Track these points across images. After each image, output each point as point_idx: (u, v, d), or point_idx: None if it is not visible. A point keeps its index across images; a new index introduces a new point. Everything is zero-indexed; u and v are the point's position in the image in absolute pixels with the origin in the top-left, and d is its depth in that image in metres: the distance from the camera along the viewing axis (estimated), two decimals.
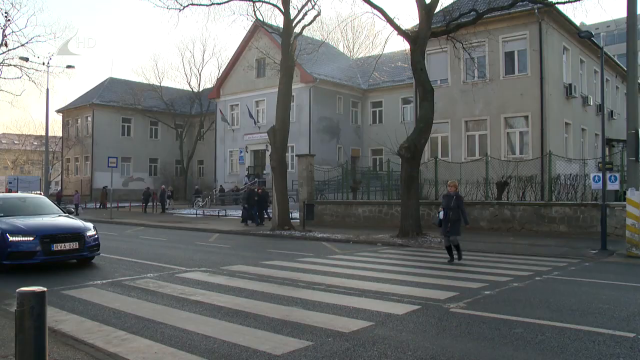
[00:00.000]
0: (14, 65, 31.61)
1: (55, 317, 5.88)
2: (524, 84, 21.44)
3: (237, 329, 5.51)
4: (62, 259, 9.69)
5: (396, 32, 17.15)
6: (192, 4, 20.77)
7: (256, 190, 23.20)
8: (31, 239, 9.09)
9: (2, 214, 10.08)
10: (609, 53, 25.75)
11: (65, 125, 47.15)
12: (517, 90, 21.55)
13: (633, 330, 5.44)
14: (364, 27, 55.48)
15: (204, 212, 29.35)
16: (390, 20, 16.94)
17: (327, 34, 41.03)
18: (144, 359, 4.61)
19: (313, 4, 20.66)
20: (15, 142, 63.05)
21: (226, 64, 40.06)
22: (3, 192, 32.11)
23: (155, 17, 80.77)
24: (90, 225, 10.30)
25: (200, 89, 46.18)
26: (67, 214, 11.22)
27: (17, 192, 41.39)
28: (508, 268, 9.97)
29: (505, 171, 18.68)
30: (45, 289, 3.03)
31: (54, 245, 9.26)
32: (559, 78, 22.36)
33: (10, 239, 8.97)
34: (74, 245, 9.58)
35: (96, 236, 10.23)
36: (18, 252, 9.00)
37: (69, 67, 31.27)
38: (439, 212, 11.05)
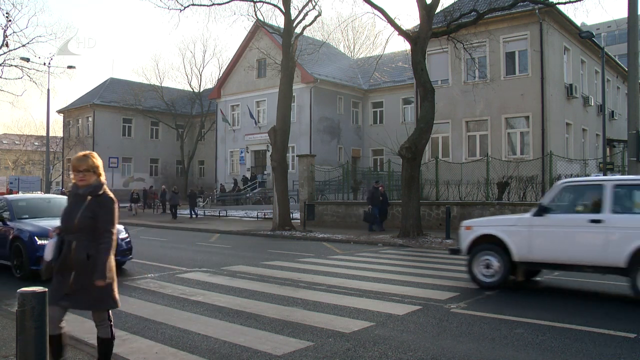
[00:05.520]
0: (15, 66, 31.57)
1: None
2: (524, 84, 21.42)
3: (237, 329, 5.51)
4: None
5: (397, 33, 17.15)
6: (193, 5, 20.79)
7: (379, 187, 18.91)
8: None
9: (27, 216, 9.67)
10: (610, 53, 25.75)
11: (66, 125, 47.17)
12: (517, 91, 21.54)
13: (634, 331, 5.43)
14: (365, 27, 55.49)
15: (204, 213, 29.34)
16: (390, 21, 16.94)
17: (328, 35, 41.13)
18: (145, 359, 4.61)
19: (314, 4, 20.67)
20: (16, 142, 63.10)
21: (227, 64, 40.10)
22: (13, 194, 31.84)
23: (156, 17, 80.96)
24: (121, 227, 9.54)
25: (201, 89, 46.18)
26: None
27: (18, 192, 41.53)
28: None
29: (506, 171, 18.67)
30: (46, 289, 3.03)
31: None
32: (559, 78, 22.34)
33: (39, 242, 8.32)
34: None
35: (128, 239, 9.60)
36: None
37: (69, 67, 31.29)
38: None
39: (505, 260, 7.78)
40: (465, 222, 8.81)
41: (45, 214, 9.74)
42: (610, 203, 7.14)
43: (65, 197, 11.36)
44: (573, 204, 7.82)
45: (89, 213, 3.79)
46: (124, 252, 9.29)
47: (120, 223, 9.84)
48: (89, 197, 3.83)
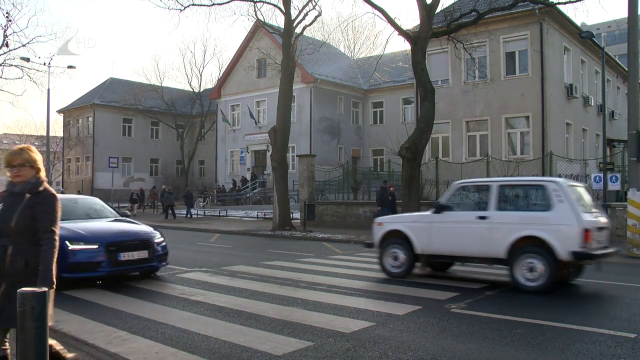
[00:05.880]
0: (15, 66, 31.57)
1: (56, 318, 5.84)
2: (524, 84, 21.42)
3: (238, 329, 5.51)
4: (129, 271, 8.39)
5: (397, 33, 17.14)
6: (193, 5, 20.79)
7: (389, 187, 18.68)
8: (95, 247, 7.74)
9: None
10: (610, 53, 25.74)
11: (66, 125, 47.18)
12: (518, 91, 21.53)
13: (634, 331, 5.43)
14: (365, 27, 55.45)
15: (204, 213, 29.34)
16: (391, 21, 16.93)
17: (328, 35, 41.08)
18: (145, 359, 4.61)
19: (314, 4, 20.69)
20: (16, 142, 63.06)
21: (227, 64, 40.11)
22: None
23: (156, 17, 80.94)
24: (156, 231, 8.94)
25: (201, 89, 46.19)
26: (125, 218, 9.73)
27: None
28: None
29: (506, 171, 18.68)
30: (46, 289, 3.03)
31: (122, 254, 7.91)
32: (560, 78, 22.34)
33: (71, 247, 7.57)
34: (143, 254, 8.20)
35: (164, 244, 8.86)
36: (80, 264, 7.64)
37: (70, 67, 31.27)
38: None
39: (410, 253, 8.67)
40: (378, 219, 9.84)
41: (72, 216, 8.82)
42: (495, 201, 8.08)
43: (89, 198, 10.37)
44: (465, 202, 8.78)
45: (28, 213, 3.39)
46: (161, 257, 8.64)
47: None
48: (28, 195, 3.43)
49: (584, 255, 7.40)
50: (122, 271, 8.17)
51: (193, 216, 27.26)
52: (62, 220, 8.25)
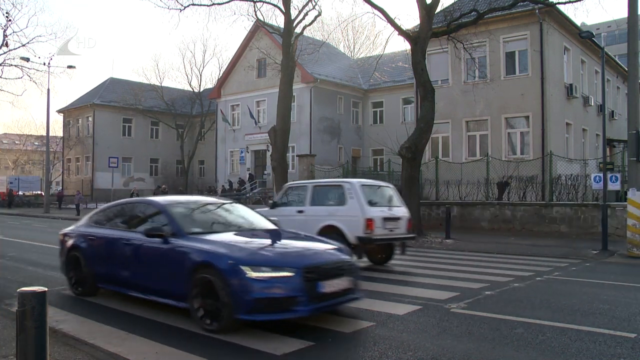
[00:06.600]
0: (15, 66, 31.65)
1: (56, 317, 5.88)
2: (524, 84, 21.42)
3: (237, 329, 5.50)
4: (331, 307, 5.78)
5: (397, 33, 17.17)
6: (193, 4, 20.85)
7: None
8: (289, 274, 5.23)
9: (199, 229, 6.22)
10: (610, 53, 25.73)
11: (66, 125, 47.20)
12: (517, 91, 21.54)
13: (634, 331, 5.43)
14: (365, 27, 55.43)
15: None
16: (391, 21, 16.94)
17: (328, 34, 41.06)
18: (145, 359, 4.61)
19: (314, 4, 20.74)
20: (16, 142, 63.14)
21: (227, 64, 40.08)
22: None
23: (156, 17, 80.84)
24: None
25: (201, 89, 46.20)
26: (276, 226, 7.24)
27: (18, 192, 41.51)
28: (509, 268, 9.96)
29: (506, 171, 18.69)
30: (46, 289, 3.03)
31: (323, 284, 5.41)
32: (559, 78, 22.34)
33: (253, 275, 5.15)
34: (344, 283, 5.74)
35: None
36: (270, 300, 5.15)
37: (69, 67, 31.30)
38: None
39: None
40: None
41: (224, 228, 6.65)
42: (309, 198, 10.33)
43: (238, 206, 7.78)
44: (291, 200, 10.96)
45: None
46: (360, 284, 6.12)
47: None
48: None
49: (367, 240, 9.38)
50: (324, 308, 5.59)
51: None
52: (211, 232, 6.23)
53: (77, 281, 7.24)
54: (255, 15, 22.38)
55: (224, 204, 7.64)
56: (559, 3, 18.09)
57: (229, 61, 39.36)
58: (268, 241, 6.28)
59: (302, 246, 6.40)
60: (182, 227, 6.12)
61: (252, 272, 5.16)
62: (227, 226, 6.78)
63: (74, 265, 7.29)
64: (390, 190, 10.75)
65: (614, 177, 13.71)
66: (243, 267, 5.18)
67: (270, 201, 10.77)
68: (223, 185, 37.95)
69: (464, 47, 18.48)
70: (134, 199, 9.53)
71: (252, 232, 6.66)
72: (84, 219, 7.88)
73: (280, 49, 22.33)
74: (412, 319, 5.96)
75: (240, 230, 6.67)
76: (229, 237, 6.12)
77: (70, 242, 7.48)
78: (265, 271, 5.21)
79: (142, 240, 6.32)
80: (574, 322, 5.74)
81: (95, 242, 7.14)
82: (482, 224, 18.20)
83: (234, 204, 7.77)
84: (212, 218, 7.02)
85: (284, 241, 6.51)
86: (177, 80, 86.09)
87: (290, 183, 11.49)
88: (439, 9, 17.94)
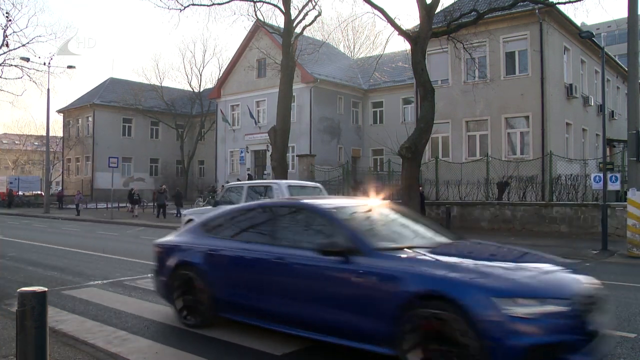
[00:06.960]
0: (15, 66, 31.68)
1: (56, 317, 5.88)
2: (524, 84, 21.42)
3: (238, 329, 5.50)
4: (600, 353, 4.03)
5: (397, 33, 17.15)
6: (193, 4, 20.86)
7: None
8: (563, 309, 3.78)
9: (390, 244, 4.73)
10: (609, 53, 25.74)
11: (66, 125, 47.21)
12: (517, 91, 21.54)
13: (634, 331, 5.43)
14: (365, 27, 55.40)
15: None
16: (391, 21, 16.94)
17: (328, 34, 41.07)
18: (145, 359, 4.61)
19: (314, 4, 20.75)
20: (16, 142, 63.13)
21: (227, 64, 40.06)
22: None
23: (156, 17, 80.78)
24: None
25: (201, 89, 46.21)
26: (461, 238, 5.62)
27: (18, 192, 41.42)
28: None
29: (506, 171, 18.68)
30: (46, 289, 3.03)
31: (591, 319, 3.95)
32: (559, 78, 22.34)
33: (514, 310, 3.67)
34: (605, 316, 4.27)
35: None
36: (542, 348, 3.64)
37: (69, 67, 31.30)
38: None
39: None
40: (184, 211, 14.46)
41: (409, 241, 5.00)
42: (245, 197, 12.32)
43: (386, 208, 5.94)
44: (230, 198, 12.78)
45: None
46: None
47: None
48: None
49: None
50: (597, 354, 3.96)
51: (178, 216, 27.11)
52: (402, 246, 4.45)
53: (189, 308, 5.62)
54: (255, 15, 22.42)
55: (374, 206, 5.77)
56: (559, 3, 18.08)
57: (229, 61, 39.37)
58: (487, 261, 4.45)
59: (534, 266, 4.47)
60: (367, 241, 4.60)
61: (513, 307, 3.66)
62: (409, 238, 5.10)
63: (183, 288, 5.66)
64: (317, 190, 12.97)
65: (613, 177, 13.71)
66: (498, 300, 3.69)
67: (212, 200, 13.47)
68: (223, 186, 37.95)
69: (464, 47, 18.47)
70: (273, 201, 8.39)
71: (451, 246, 5.01)
72: (188, 227, 6.62)
73: (280, 49, 22.34)
74: None
75: (432, 243, 4.93)
76: (440, 255, 4.40)
77: (176, 257, 5.83)
78: (532, 305, 3.72)
79: (304, 259, 4.77)
80: None
81: (219, 259, 5.51)
82: (482, 224, 18.20)
83: (382, 206, 5.94)
84: (386, 227, 5.34)
85: (538, 266, 4.51)
86: (177, 80, 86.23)
87: (229, 184, 13.93)
88: (439, 9, 17.93)
